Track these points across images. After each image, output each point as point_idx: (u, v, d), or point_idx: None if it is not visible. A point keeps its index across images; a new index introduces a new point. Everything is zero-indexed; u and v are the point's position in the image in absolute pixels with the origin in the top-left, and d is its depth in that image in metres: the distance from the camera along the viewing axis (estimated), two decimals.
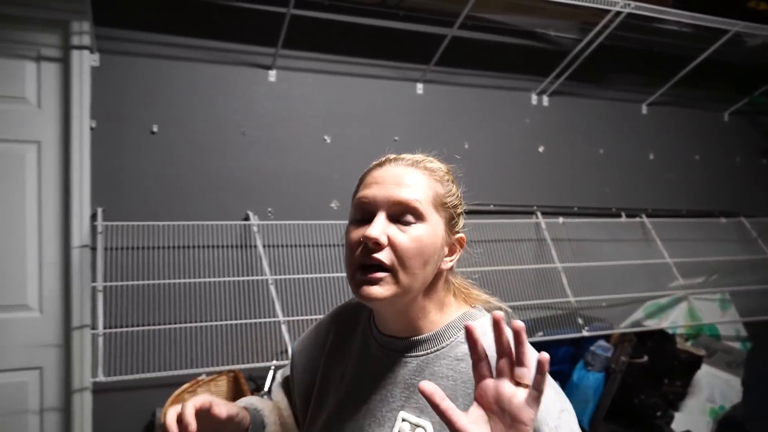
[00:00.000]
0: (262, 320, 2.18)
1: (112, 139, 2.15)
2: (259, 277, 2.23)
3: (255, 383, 2.19)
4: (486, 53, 2.69)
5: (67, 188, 2.11)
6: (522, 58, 2.76)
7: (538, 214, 2.76)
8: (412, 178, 0.86)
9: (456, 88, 2.65)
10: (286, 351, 2.12)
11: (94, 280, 2.04)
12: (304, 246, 2.35)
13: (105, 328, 1.98)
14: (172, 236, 2.18)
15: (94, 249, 2.07)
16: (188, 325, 2.13)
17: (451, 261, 0.90)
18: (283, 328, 2.14)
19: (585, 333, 2.49)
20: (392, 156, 0.90)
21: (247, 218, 2.29)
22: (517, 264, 2.62)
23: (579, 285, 2.64)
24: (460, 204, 0.95)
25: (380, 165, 0.89)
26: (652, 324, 2.67)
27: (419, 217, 0.84)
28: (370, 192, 0.85)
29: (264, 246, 2.27)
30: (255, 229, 2.27)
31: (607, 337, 2.54)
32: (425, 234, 0.84)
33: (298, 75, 2.40)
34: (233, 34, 2.30)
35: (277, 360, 2.16)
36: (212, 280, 2.19)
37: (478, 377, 0.69)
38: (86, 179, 2.10)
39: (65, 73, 2.12)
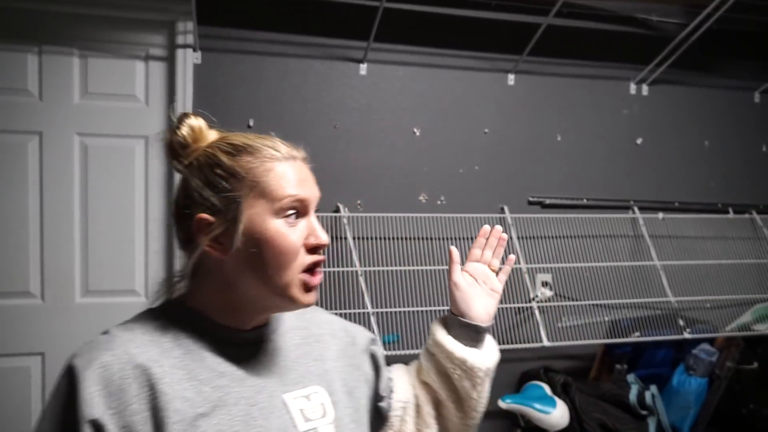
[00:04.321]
0: (352, 311, 2.21)
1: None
2: (349, 269, 2.26)
3: None
4: (582, 41, 2.58)
5: (170, 181, 2.23)
6: (620, 45, 2.63)
7: (636, 209, 2.62)
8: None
9: (549, 79, 2.57)
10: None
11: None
12: (393, 238, 2.36)
13: None
14: None
15: None
16: None
17: None
18: (372, 319, 2.16)
19: (687, 335, 2.35)
20: (288, 145, 0.87)
21: (337, 210, 2.33)
22: (613, 261, 2.51)
23: (680, 284, 2.50)
24: None
25: (292, 159, 0.85)
26: (763, 328, 2.48)
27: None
28: (305, 190, 0.83)
29: (354, 238, 2.30)
30: (345, 221, 2.30)
31: (711, 341, 2.38)
32: None
33: (389, 68, 2.40)
34: (326, 29, 2.34)
35: None
36: None
37: (472, 258, 1.06)
38: None
39: (170, 72, 2.23)
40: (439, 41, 2.45)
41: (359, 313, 2.22)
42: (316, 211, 0.87)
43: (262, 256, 0.80)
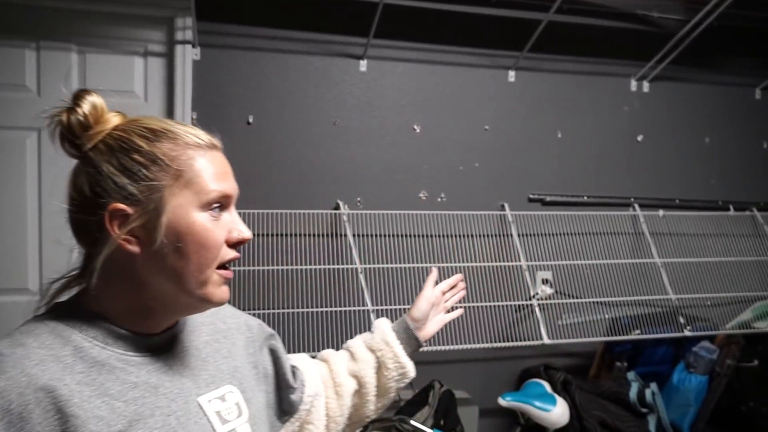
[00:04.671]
0: (352, 308, 2.21)
1: (211, 130, 2.23)
2: (349, 266, 2.26)
3: None
4: (583, 38, 2.57)
5: None
6: (621, 42, 2.62)
7: (636, 206, 2.62)
8: None
9: (549, 75, 2.56)
10: None
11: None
12: (393, 236, 2.36)
13: None
14: (266, 224, 2.25)
15: None
16: (280, 311, 2.19)
17: None
18: (372, 317, 2.16)
19: (687, 333, 2.35)
20: (206, 132, 0.81)
21: (337, 207, 2.33)
22: (613, 258, 2.51)
23: (680, 282, 2.49)
24: None
25: (215, 148, 0.80)
26: (763, 326, 2.47)
27: None
28: (230, 185, 0.78)
29: (354, 235, 2.30)
30: (345, 218, 2.29)
31: (711, 339, 2.38)
32: None
33: (389, 64, 2.39)
34: (326, 25, 2.33)
35: None
36: (304, 267, 2.24)
37: (436, 293, 1.17)
38: None
39: (169, 68, 2.22)
40: (440, 38, 2.43)
41: (359, 311, 2.21)
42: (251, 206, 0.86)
43: (183, 250, 0.73)
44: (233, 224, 0.78)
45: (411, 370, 1.10)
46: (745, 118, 2.79)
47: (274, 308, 2.19)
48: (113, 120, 0.77)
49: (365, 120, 2.38)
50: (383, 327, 1.11)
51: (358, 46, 2.35)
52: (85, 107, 0.75)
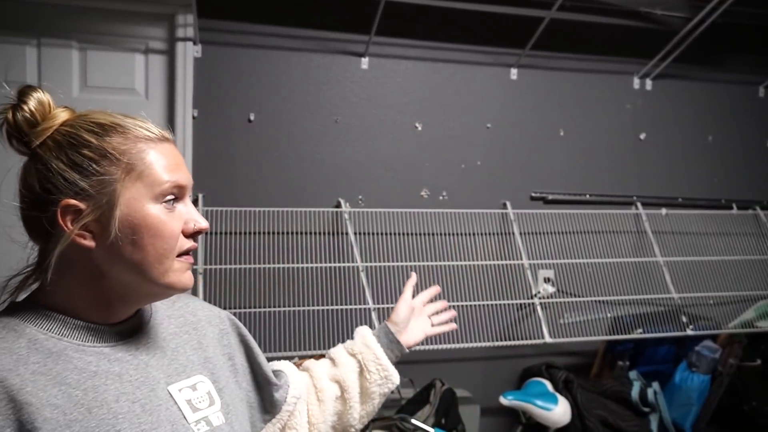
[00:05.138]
0: (353, 307, 2.20)
1: (212, 127, 2.23)
2: (350, 264, 2.25)
3: None
4: (585, 36, 2.56)
5: None
6: (624, 39, 2.61)
7: (639, 204, 2.61)
8: None
9: (552, 73, 2.55)
10: None
11: (195, 262, 2.14)
12: (394, 234, 2.35)
13: None
14: (267, 222, 2.24)
15: None
16: (281, 309, 2.19)
17: None
18: (373, 315, 2.15)
19: (689, 332, 2.34)
20: (156, 125, 0.80)
21: (338, 205, 2.32)
22: (615, 257, 2.50)
23: (683, 281, 2.48)
24: None
25: (166, 141, 0.79)
26: (766, 325, 2.46)
27: None
28: (183, 176, 0.78)
29: (355, 233, 2.29)
30: (346, 216, 2.29)
31: (713, 338, 2.37)
32: None
33: (390, 62, 2.38)
34: (328, 22, 2.32)
35: None
36: (305, 265, 2.24)
37: (417, 302, 1.16)
38: (188, 166, 2.20)
39: (170, 65, 2.22)
40: (442, 35, 2.42)
41: (360, 309, 2.20)
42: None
43: (139, 243, 0.74)
44: (189, 215, 0.79)
45: (393, 373, 1.09)
46: (749, 116, 2.78)
47: (275, 306, 2.19)
48: (61, 116, 0.77)
49: (367, 117, 2.37)
50: (363, 332, 1.11)
51: (359, 44, 2.34)
52: (31, 104, 0.75)
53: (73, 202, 0.73)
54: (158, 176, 0.75)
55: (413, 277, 1.19)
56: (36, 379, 0.69)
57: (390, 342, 1.10)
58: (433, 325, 1.18)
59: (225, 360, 0.92)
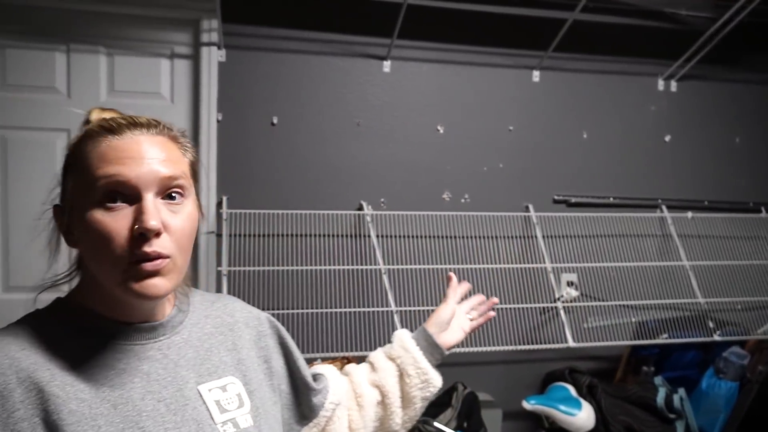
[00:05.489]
0: (375, 309, 2.20)
1: (236, 131, 2.26)
2: (373, 267, 2.25)
3: None
4: (608, 37, 2.54)
5: (195, 177, 2.23)
6: (648, 40, 2.58)
7: (663, 208, 2.57)
8: (166, 149, 0.75)
9: (575, 75, 2.53)
10: None
11: (219, 264, 2.16)
12: (416, 237, 2.35)
13: None
14: (290, 224, 2.25)
15: (219, 235, 2.19)
16: (304, 311, 2.20)
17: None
18: (396, 317, 2.15)
19: (716, 338, 2.30)
20: (122, 120, 0.75)
21: (360, 208, 2.33)
22: (640, 261, 2.47)
23: (710, 285, 2.44)
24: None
25: (114, 132, 0.73)
26: None
27: (185, 192, 0.77)
28: (126, 169, 0.70)
29: (377, 236, 2.29)
30: (368, 218, 2.29)
31: (741, 344, 2.33)
32: (192, 211, 0.79)
33: (412, 65, 2.39)
34: (350, 26, 2.33)
35: None
36: (327, 267, 2.25)
37: (464, 308, 1.16)
38: (213, 169, 2.22)
39: (195, 69, 2.25)
40: (463, 37, 2.42)
41: (382, 312, 2.21)
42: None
43: (90, 247, 0.73)
44: (137, 214, 0.71)
45: (434, 377, 1.08)
46: None
47: (297, 308, 2.20)
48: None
49: (389, 121, 2.38)
50: (402, 335, 1.11)
51: (381, 47, 2.35)
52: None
53: (57, 205, 0.79)
54: (93, 173, 0.71)
55: (454, 280, 1.16)
56: (65, 373, 0.71)
57: (429, 345, 1.08)
58: (471, 320, 1.16)
59: (260, 362, 0.92)
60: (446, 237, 2.37)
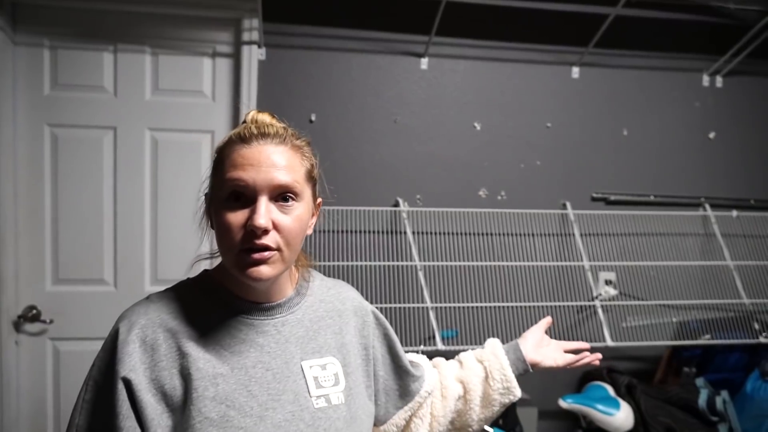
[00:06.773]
0: (411, 305, 2.21)
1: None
2: (409, 263, 2.26)
3: None
4: (651, 32, 2.49)
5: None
6: (693, 35, 2.52)
7: (707, 206, 2.51)
8: (285, 158, 0.88)
9: (615, 71, 2.49)
10: (434, 337, 2.14)
11: None
12: (452, 233, 2.35)
13: None
14: (327, 220, 2.28)
15: None
16: None
17: (312, 225, 0.97)
18: (431, 314, 2.16)
19: (762, 339, 2.23)
20: (254, 130, 0.88)
21: (397, 204, 2.34)
22: (681, 260, 2.42)
23: (755, 286, 2.37)
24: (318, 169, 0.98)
25: (245, 141, 0.87)
26: None
27: (297, 196, 0.89)
28: (247, 175, 0.85)
29: (413, 232, 2.30)
30: (404, 215, 2.30)
31: None
32: (304, 212, 0.90)
33: (450, 62, 2.39)
34: (388, 24, 2.34)
35: (424, 345, 2.19)
36: (364, 263, 2.27)
37: (542, 332, 1.26)
38: None
39: (236, 68, 2.29)
40: (501, 34, 2.41)
41: (418, 308, 2.22)
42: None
43: (217, 233, 0.88)
44: (252, 213, 0.84)
45: (516, 387, 1.15)
46: None
47: None
48: None
49: (426, 118, 2.38)
50: (494, 343, 1.20)
51: (419, 44, 2.35)
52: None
53: (206, 193, 0.94)
54: (224, 175, 0.87)
55: (548, 320, 1.29)
56: (199, 337, 0.88)
57: (517, 358, 1.17)
58: (567, 360, 1.23)
59: (360, 349, 1.02)
60: (482, 234, 2.37)
